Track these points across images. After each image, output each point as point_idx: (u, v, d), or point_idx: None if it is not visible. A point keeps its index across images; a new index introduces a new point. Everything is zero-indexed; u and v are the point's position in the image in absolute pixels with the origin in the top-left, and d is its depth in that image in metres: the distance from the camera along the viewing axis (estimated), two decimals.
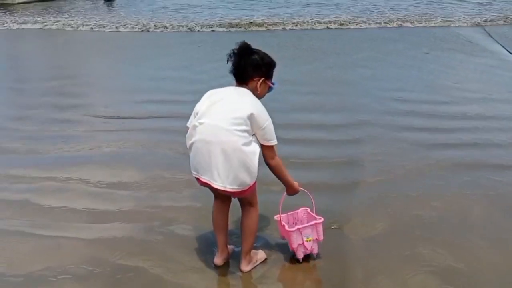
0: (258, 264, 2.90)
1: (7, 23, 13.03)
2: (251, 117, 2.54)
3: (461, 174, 4.12)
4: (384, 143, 4.81)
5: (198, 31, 11.98)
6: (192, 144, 2.63)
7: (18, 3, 17.61)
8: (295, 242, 2.83)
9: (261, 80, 2.72)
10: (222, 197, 2.79)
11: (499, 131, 5.08)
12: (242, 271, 2.84)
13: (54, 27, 12.70)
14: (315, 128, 5.23)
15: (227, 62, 2.72)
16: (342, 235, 3.22)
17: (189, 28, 12.15)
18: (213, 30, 12.03)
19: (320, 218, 2.89)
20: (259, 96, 2.74)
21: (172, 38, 11.31)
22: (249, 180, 2.57)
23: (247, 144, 2.53)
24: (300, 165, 4.22)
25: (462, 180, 4.00)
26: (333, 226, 3.28)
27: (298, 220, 3.04)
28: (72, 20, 13.45)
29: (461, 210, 3.53)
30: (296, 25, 11.97)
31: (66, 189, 4.01)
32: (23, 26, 12.92)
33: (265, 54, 2.77)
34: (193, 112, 2.69)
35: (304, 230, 2.84)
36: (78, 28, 12.57)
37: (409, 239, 3.16)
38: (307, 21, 12.21)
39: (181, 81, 7.36)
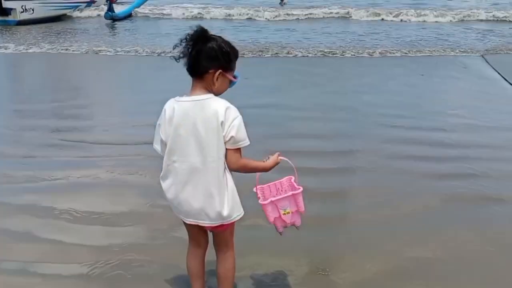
0: None
1: (9, 48, 13.02)
2: (223, 124, 2.26)
3: (458, 208, 4.00)
4: (378, 173, 4.70)
5: None
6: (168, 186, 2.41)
7: (20, 21, 17.76)
8: (271, 215, 2.51)
9: (217, 72, 2.28)
10: (198, 239, 2.58)
11: (496, 161, 4.97)
12: None
13: (54, 51, 12.59)
14: (308, 155, 5.04)
15: (173, 49, 2.29)
16: (328, 280, 3.01)
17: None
18: None
19: (299, 188, 2.52)
20: (217, 93, 2.33)
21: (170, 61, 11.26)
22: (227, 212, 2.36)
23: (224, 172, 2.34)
24: None
25: (459, 215, 3.87)
26: (320, 272, 3.06)
27: (282, 191, 2.65)
28: (74, 44, 13.44)
29: (458, 250, 3.36)
30: (290, 52, 11.74)
31: (60, 218, 3.86)
32: (26, 49, 12.86)
33: (225, 41, 2.32)
34: (157, 131, 2.39)
35: (279, 202, 2.50)
36: (81, 51, 12.45)
37: (402, 284, 3.00)
38: (306, 48, 12.06)
39: None
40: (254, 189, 2.59)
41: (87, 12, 20.65)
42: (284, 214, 2.54)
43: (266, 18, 18.43)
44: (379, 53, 11.44)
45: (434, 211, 3.96)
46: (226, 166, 2.34)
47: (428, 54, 11.40)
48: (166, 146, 2.35)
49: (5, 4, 17.67)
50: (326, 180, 4.52)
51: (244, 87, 8.32)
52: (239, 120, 2.28)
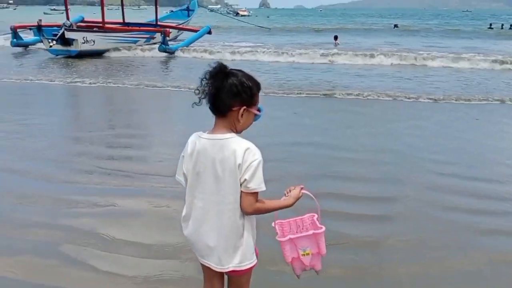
0: None
1: (73, 80, 13.64)
2: (240, 166, 2.12)
3: (510, 269, 3.61)
4: (420, 223, 4.37)
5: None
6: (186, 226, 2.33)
7: (80, 51, 18.76)
8: (288, 255, 2.30)
9: (242, 109, 2.17)
10: (212, 282, 2.42)
11: None
12: None
13: (112, 84, 13.01)
14: (346, 199, 4.88)
15: (196, 93, 2.18)
16: None
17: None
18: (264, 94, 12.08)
19: (321, 227, 2.31)
20: (242, 128, 2.23)
21: None
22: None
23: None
24: None
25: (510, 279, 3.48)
26: None
27: (303, 229, 2.42)
28: (131, 77, 13.92)
29: None
30: (341, 93, 11.49)
31: (95, 244, 3.88)
32: (87, 82, 13.38)
33: (246, 75, 2.20)
34: (180, 163, 2.29)
35: (299, 241, 2.29)
36: (135, 85, 12.80)
37: None
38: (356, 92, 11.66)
39: None
40: (273, 224, 2.41)
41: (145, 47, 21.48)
42: (303, 255, 2.31)
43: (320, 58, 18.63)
44: (433, 98, 11.00)
45: (482, 270, 3.60)
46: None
47: (484, 100, 10.88)
48: (188, 180, 2.27)
49: (68, 35, 18.73)
50: (362, 227, 4.27)
51: (292, 124, 8.30)
52: (256, 163, 2.12)
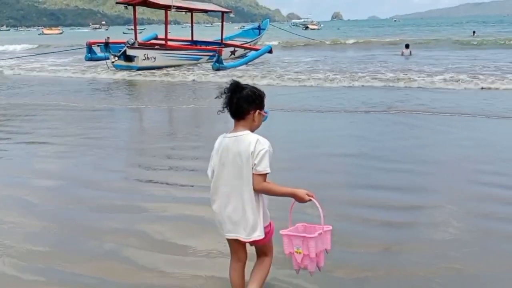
0: None
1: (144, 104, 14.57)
2: (253, 154, 2.77)
3: None
4: (455, 232, 4.43)
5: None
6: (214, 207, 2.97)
7: (140, 67, 19.98)
8: (286, 248, 2.82)
9: (256, 112, 2.87)
10: (237, 252, 3.02)
11: None
12: None
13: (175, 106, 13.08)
14: (381, 207, 5.06)
15: (216, 98, 2.93)
16: None
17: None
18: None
19: (314, 235, 2.72)
20: (256, 127, 2.92)
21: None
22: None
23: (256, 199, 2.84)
24: (351, 246, 4.13)
25: None
26: None
27: (312, 232, 2.81)
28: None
29: None
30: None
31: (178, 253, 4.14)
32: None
33: (254, 88, 2.92)
34: (210, 161, 2.98)
35: (294, 238, 2.77)
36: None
37: None
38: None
39: None
40: (281, 232, 2.87)
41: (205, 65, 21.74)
42: (296, 252, 2.77)
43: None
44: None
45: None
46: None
47: None
48: (214, 172, 2.91)
49: (129, 52, 20.05)
50: (392, 234, 4.46)
51: (342, 136, 8.46)
52: (264, 151, 2.77)
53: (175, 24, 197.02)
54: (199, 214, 4.85)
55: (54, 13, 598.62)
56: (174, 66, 21.24)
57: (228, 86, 2.87)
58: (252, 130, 2.89)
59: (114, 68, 20.41)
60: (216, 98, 2.92)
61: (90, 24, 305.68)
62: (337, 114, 10.70)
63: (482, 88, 13.56)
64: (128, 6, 23.09)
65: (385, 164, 6.67)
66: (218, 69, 19.92)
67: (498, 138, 8.28)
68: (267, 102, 2.96)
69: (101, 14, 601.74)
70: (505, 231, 4.46)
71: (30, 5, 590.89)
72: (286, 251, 2.84)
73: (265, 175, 2.79)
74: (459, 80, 14.79)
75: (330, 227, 2.79)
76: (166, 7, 22.38)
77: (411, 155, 7.15)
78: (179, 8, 24.15)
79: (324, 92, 14.15)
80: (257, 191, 2.82)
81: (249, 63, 22.04)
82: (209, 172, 2.98)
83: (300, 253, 2.75)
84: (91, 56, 23.20)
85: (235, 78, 2.92)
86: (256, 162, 2.76)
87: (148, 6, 24.09)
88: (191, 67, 21.13)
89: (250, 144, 2.78)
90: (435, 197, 5.39)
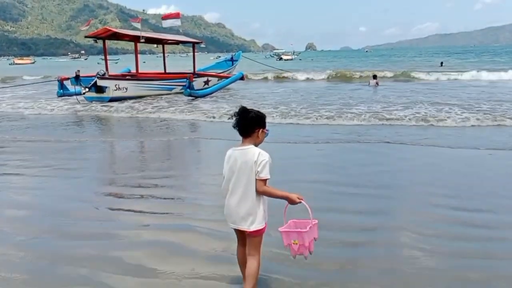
0: None
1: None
2: (256, 163, 3.54)
3: None
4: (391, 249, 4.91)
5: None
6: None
7: (112, 97, 20.08)
8: (285, 241, 3.61)
9: (260, 130, 3.66)
10: (242, 240, 3.81)
11: None
12: None
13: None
14: (337, 229, 5.46)
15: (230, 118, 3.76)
16: None
17: None
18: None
19: (305, 229, 3.53)
20: (260, 142, 3.70)
21: None
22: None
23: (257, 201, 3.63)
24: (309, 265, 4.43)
25: None
26: None
27: (304, 227, 3.61)
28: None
29: None
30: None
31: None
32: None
33: (258, 111, 3.70)
34: (224, 168, 3.75)
35: (290, 234, 3.59)
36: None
37: None
38: None
39: None
40: (279, 229, 3.65)
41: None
42: (294, 243, 3.58)
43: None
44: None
45: None
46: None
47: None
48: (225, 177, 3.73)
49: (100, 83, 20.15)
50: (348, 253, 4.86)
51: (307, 165, 8.86)
52: (265, 161, 3.55)
53: (150, 54, 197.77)
54: (171, 240, 5.15)
55: (25, 42, 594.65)
56: (146, 96, 21.39)
57: (237, 110, 3.66)
58: (256, 145, 3.67)
59: (85, 102, 20.35)
60: (228, 119, 3.62)
61: (69, 53, 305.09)
62: (305, 144, 11.12)
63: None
64: (97, 40, 23.27)
65: (348, 189, 7.10)
66: (190, 95, 20.31)
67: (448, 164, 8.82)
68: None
69: (74, 43, 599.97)
70: (455, 248, 4.91)
71: (0, 35, 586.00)
72: (285, 243, 3.62)
73: (265, 180, 3.57)
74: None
75: (316, 221, 3.61)
76: (136, 39, 22.66)
77: (372, 181, 7.60)
78: (148, 39, 24.49)
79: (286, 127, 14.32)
80: (259, 193, 3.60)
81: (220, 90, 22.57)
82: (223, 177, 3.78)
83: (296, 243, 3.56)
84: (63, 92, 22.67)
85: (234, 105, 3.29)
86: (258, 169, 3.53)
87: (117, 39, 24.39)
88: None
89: (254, 155, 3.56)
90: (392, 218, 5.82)
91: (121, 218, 6.08)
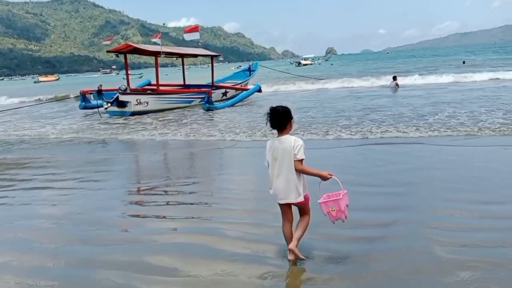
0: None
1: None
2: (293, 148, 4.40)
3: None
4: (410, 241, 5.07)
5: None
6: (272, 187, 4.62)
7: (133, 111, 20.59)
8: (324, 210, 4.48)
9: (291, 122, 4.53)
10: (287, 214, 4.65)
11: None
12: (290, 248, 4.58)
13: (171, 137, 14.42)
14: (353, 225, 5.53)
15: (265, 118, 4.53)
16: None
17: None
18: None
19: (339, 194, 4.43)
20: (290, 131, 4.53)
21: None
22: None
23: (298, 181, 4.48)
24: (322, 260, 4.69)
25: None
26: None
27: (335, 197, 4.47)
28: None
29: None
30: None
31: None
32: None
33: (285, 107, 4.51)
34: (266, 156, 4.59)
35: (328, 203, 4.44)
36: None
37: None
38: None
39: None
40: (319, 201, 4.54)
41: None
42: (332, 210, 4.44)
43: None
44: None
45: None
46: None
47: None
48: (269, 163, 4.55)
49: (122, 98, 20.76)
50: (362, 247, 5.04)
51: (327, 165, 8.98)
52: (299, 145, 4.42)
53: (172, 67, 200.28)
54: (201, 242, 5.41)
55: (49, 60, 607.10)
56: (166, 109, 21.81)
57: (269, 111, 4.50)
58: (289, 134, 4.52)
59: (107, 115, 20.92)
60: (264, 115, 4.59)
61: (100, 69, 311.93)
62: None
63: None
64: (119, 55, 23.92)
65: (366, 188, 7.24)
66: (208, 109, 20.70)
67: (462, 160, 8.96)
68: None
69: (97, 60, 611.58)
70: (472, 239, 5.05)
71: (24, 54, 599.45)
72: (325, 212, 4.49)
73: (301, 160, 4.42)
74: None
75: (346, 191, 4.46)
76: (156, 54, 23.19)
77: (388, 180, 7.75)
78: (168, 54, 25.04)
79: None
80: (298, 171, 4.43)
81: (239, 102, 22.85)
82: (266, 163, 4.62)
83: (334, 210, 4.43)
84: (85, 104, 23.70)
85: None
86: (295, 152, 4.39)
87: (138, 54, 24.96)
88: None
89: (291, 141, 4.43)
90: (406, 213, 5.96)
91: (147, 225, 6.34)
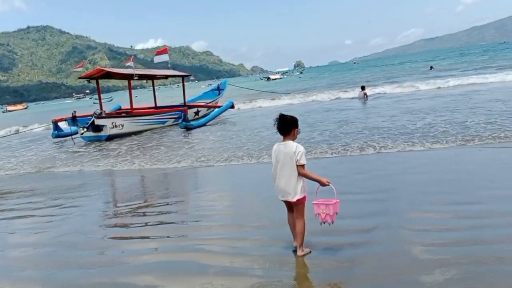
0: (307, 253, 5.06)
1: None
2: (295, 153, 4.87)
3: None
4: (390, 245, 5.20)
5: None
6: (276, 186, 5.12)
7: (109, 135, 20.37)
8: (315, 210, 4.98)
9: (296, 130, 5.00)
10: (290, 208, 5.13)
11: None
12: (298, 255, 5.06)
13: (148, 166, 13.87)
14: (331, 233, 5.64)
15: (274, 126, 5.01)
16: None
17: None
18: None
19: (331, 201, 4.87)
20: (295, 138, 5.01)
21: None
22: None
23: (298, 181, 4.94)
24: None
25: None
26: None
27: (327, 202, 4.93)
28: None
29: None
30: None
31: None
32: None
33: (292, 116, 5.01)
34: (272, 158, 5.11)
35: (320, 205, 4.94)
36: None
37: None
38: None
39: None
40: (313, 202, 5.01)
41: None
42: (322, 212, 4.95)
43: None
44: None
45: None
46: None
47: None
48: (273, 166, 5.09)
49: (98, 122, 20.54)
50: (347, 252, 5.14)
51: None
52: (301, 152, 4.89)
53: (141, 88, 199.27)
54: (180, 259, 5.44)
55: (17, 89, 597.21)
56: (141, 131, 21.72)
57: (277, 117, 4.98)
58: (293, 140, 4.97)
59: (82, 142, 20.59)
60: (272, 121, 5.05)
61: (74, 94, 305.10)
62: None
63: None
64: (91, 80, 23.77)
65: (347, 196, 7.25)
66: (185, 127, 20.66)
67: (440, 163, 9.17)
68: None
69: (65, 86, 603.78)
70: (449, 239, 5.18)
71: None
72: (315, 212, 4.99)
73: (303, 165, 4.89)
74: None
75: (339, 200, 4.88)
76: (129, 77, 23.12)
77: (367, 187, 7.89)
78: (141, 76, 25.01)
79: None
80: (299, 175, 4.90)
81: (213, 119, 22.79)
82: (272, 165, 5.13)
83: (324, 213, 4.91)
84: (57, 133, 23.13)
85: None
86: (298, 158, 4.87)
87: (111, 78, 24.86)
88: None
89: (292, 147, 4.90)
90: (386, 218, 6.08)
91: (128, 246, 6.31)
